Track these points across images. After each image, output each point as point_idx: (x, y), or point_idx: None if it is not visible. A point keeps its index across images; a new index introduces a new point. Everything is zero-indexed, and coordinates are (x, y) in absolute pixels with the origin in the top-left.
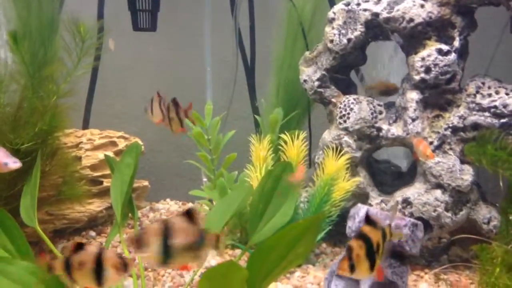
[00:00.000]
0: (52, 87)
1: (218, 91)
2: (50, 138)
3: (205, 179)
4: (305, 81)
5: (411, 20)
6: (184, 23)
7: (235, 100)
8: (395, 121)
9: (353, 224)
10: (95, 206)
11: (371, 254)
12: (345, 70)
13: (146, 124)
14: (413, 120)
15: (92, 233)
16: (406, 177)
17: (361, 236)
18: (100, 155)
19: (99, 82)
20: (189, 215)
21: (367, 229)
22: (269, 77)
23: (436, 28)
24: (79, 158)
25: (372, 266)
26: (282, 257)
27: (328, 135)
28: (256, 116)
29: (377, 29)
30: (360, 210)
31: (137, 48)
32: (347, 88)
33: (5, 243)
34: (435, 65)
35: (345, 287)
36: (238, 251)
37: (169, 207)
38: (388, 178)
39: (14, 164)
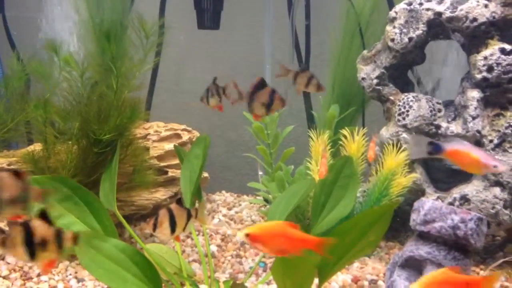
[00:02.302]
0: (124, 82)
1: (274, 88)
2: (127, 130)
3: (260, 173)
4: (363, 79)
5: (475, 19)
6: (244, 22)
7: (289, 96)
8: (454, 119)
9: (417, 217)
10: (160, 194)
11: None
12: (403, 69)
13: (200, 119)
14: (474, 118)
15: None
16: (461, 175)
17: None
18: (166, 146)
19: (158, 78)
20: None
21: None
22: (325, 74)
23: (499, 28)
24: (147, 149)
25: None
26: (354, 243)
27: (386, 132)
28: (313, 112)
29: (438, 28)
30: (425, 203)
31: (197, 45)
32: (405, 86)
33: (92, 224)
34: (498, 64)
35: (408, 277)
36: None
37: (225, 199)
38: (443, 176)
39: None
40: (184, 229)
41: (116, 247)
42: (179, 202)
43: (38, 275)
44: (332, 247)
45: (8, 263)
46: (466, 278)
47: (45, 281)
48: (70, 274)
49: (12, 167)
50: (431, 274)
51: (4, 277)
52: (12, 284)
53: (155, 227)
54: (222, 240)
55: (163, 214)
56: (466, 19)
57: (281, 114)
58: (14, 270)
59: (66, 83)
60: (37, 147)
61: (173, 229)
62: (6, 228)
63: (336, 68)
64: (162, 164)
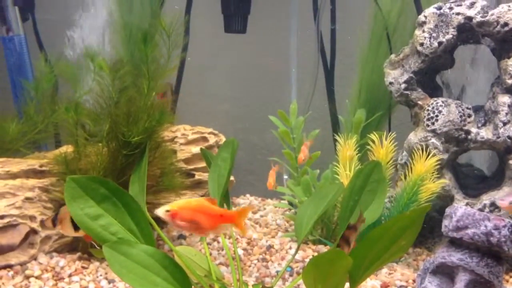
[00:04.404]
0: (151, 83)
1: (298, 92)
2: (156, 132)
3: (285, 177)
4: (390, 83)
5: (506, 24)
6: (270, 26)
7: (313, 100)
8: (484, 125)
9: (449, 223)
10: (187, 197)
11: None
12: (432, 73)
13: (225, 122)
14: (505, 124)
15: None
16: (490, 181)
17: None
18: (193, 149)
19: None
20: None
21: None
22: (350, 79)
23: None
24: (174, 152)
25: None
26: (386, 248)
27: (414, 137)
28: (340, 116)
29: (468, 32)
30: (458, 210)
31: (223, 49)
32: (433, 91)
33: (130, 225)
34: None
35: (439, 284)
36: (320, 247)
37: (250, 202)
38: (472, 182)
39: None
40: None
41: (145, 253)
42: None
43: (70, 275)
44: (364, 253)
45: (41, 263)
46: (221, 210)
47: (77, 282)
48: (101, 275)
49: (44, 168)
50: (185, 200)
51: (36, 277)
52: (44, 284)
53: (54, 223)
54: (248, 243)
55: (64, 211)
56: (497, 23)
57: (306, 118)
58: (46, 270)
59: (97, 86)
60: (67, 149)
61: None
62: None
63: (362, 73)
64: (189, 167)
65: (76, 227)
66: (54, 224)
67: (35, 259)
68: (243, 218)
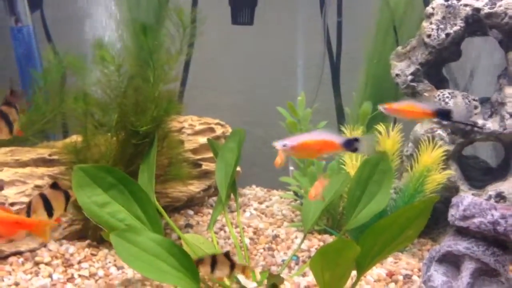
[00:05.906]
0: (160, 74)
1: (304, 84)
2: (163, 122)
3: (291, 168)
4: (397, 75)
5: None
6: (277, 18)
7: (319, 93)
8: (490, 116)
9: (456, 212)
10: (194, 187)
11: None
12: (439, 65)
13: (231, 115)
14: (511, 115)
15: (190, 212)
16: (495, 173)
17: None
18: (200, 139)
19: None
20: None
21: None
22: (356, 71)
23: None
24: (182, 142)
25: None
26: (393, 238)
27: (420, 128)
28: (347, 108)
29: (476, 24)
30: (464, 199)
31: (230, 41)
32: (440, 83)
33: (137, 212)
34: None
35: (445, 273)
36: (326, 236)
37: (256, 193)
38: (477, 173)
39: None
40: (65, 209)
41: (152, 240)
42: (54, 185)
43: (79, 262)
44: (372, 242)
45: (50, 250)
46: (16, 217)
47: (86, 268)
48: (110, 262)
49: (54, 157)
50: None
51: (46, 264)
52: (54, 270)
53: (28, 214)
54: (254, 233)
55: (36, 200)
56: (505, 15)
57: (313, 110)
58: (56, 257)
59: (104, 77)
60: (77, 138)
61: (50, 213)
62: None
63: (369, 65)
64: (197, 157)
65: (50, 215)
66: (29, 215)
67: (45, 246)
68: (43, 227)
